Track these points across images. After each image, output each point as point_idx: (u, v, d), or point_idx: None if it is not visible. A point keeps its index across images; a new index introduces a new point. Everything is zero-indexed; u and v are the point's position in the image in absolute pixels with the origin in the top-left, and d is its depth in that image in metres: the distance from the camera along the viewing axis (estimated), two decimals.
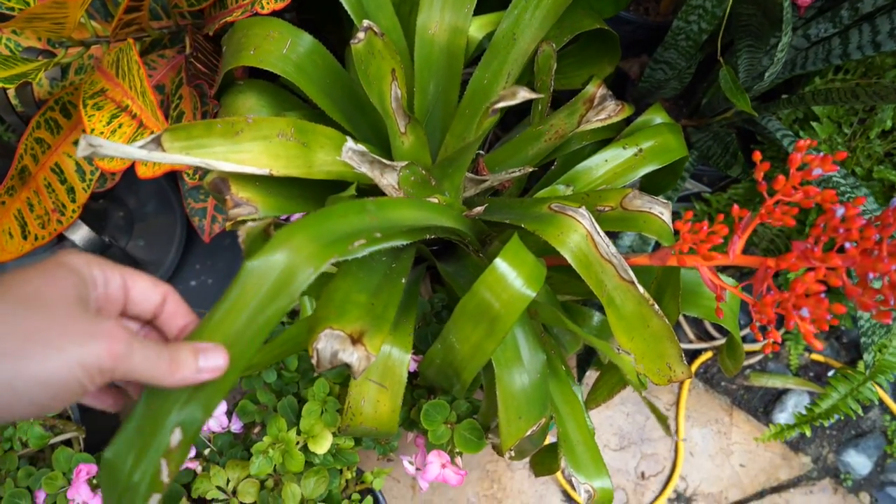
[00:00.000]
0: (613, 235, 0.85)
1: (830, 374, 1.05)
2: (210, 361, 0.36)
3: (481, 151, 0.68)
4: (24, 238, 0.66)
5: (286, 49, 0.56)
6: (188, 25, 0.71)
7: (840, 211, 0.44)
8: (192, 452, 0.66)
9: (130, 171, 0.62)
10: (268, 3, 0.59)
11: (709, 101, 0.88)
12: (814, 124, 0.83)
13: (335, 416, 0.62)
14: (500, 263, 0.50)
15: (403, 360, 0.55)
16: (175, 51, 0.76)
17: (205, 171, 0.56)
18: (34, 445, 0.64)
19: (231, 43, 0.59)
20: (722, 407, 1.04)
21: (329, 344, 0.45)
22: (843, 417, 0.81)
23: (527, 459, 0.77)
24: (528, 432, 0.55)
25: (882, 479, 1.02)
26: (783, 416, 1.02)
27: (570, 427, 0.60)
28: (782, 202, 0.48)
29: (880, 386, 0.88)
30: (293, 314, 0.74)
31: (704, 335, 1.07)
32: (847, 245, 0.44)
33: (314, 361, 0.45)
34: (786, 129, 0.79)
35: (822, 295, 0.43)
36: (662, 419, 0.47)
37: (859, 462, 1.01)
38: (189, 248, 0.92)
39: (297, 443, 0.61)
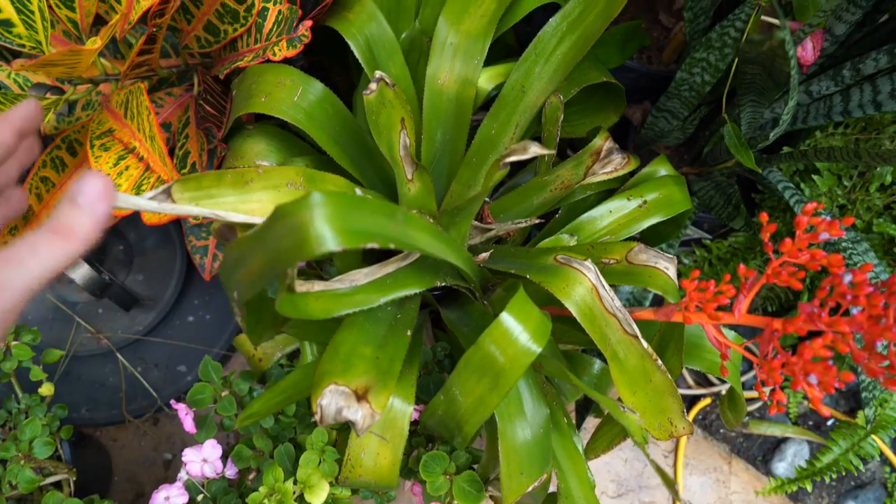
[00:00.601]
0: (613, 285, 0.85)
1: (830, 422, 1.05)
2: (89, 192, 0.32)
3: (486, 199, 0.68)
4: None
5: (297, 97, 0.57)
6: (197, 66, 0.72)
7: (848, 277, 0.44)
8: (185, 499, 0.65)
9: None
10: (280, 51, 0.59)
11: (711, 150, 0.89)
12: (815, 177, 0.84)
13: (333, 466, 0.61)
14: (506, 318, 0.49)
15: (406, 412, 0.54)
16: (182, 89, 0.77)
17: None
18: (24, 489, 0.62)
19: (241, 88, 0.60)
20: (721, 455, 1.03)
21: (334, 400, 0.44)
22: (843, 472, 0.80)
23: None
24: (530, 488, 0.54)
25: None
26: (783, 465, 1.01)
27: (573, 483, 0.59)
28: (787, 263, 0.48)
29: (881, 440, 0.87)
30: (293, 356, 0.74)
31: (703, 381, 1.07)
32: (853, 310, 0.44)
33: (318, 418, 0.44)
34: (787, 180, 0.79)
35: (831, 361, 0.43)
36: (670, 483, 0.46)
37: None
38: (188, 283, 0.92)
39: (294, 492, 0.60)
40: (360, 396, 0.45)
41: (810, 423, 1.05)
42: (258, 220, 0.49)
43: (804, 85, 0.74)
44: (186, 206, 0.44)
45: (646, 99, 1.00)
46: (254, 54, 0.63)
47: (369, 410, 0.44)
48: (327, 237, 0.36)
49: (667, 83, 0.80)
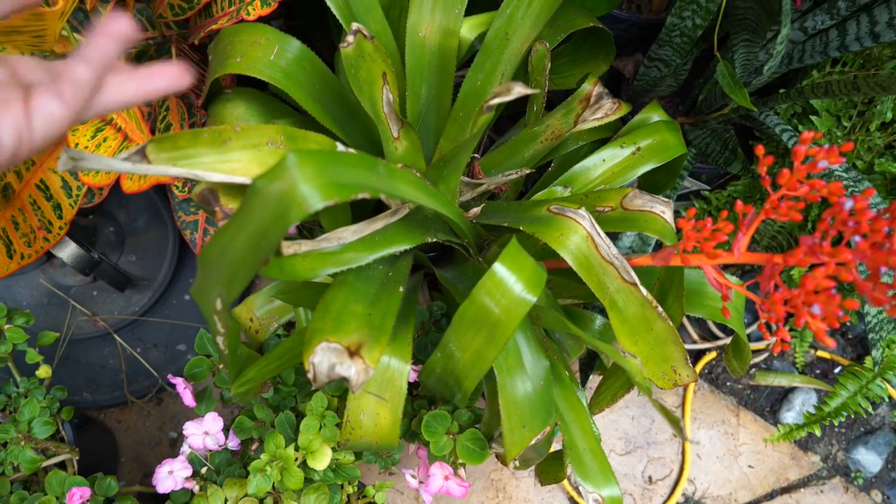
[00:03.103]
0: (612, 236, 0.84)
1: (837, 370, 1.04)
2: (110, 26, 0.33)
3: (476, 155, 0.67)
4: (10, 257, 0.64)
5: (274, 55, 0.55)
6: (173, 36, 0.70)
7: (848, 203, 0.43)
8: (189, 471, 0.64)
9: (120, 186, 0.61)
10: (254, 10, 0.57)
11: (705, 97, 0.87)
12: (813, 118, 0.82)
13: (334, 431, 0.60)
14: (498, 268, 0.48)
15: (403, 370, 0.54)
16: (161, 61, 0.75)
17: (194, 183, 0.54)
18: (26, 470, 0.62)
19: (217, 51, 0.58)
20: (728, 407, 1.02)
21: (326, 357, 0.43)
22: (852, 416, 0.80)
23: (532, 467, 0.75)
24: (533, 441, 0.54)
25: (894, 477, 1.00)
26: (791, 415, 1.01)
27: (577, 435, 0.58)
28: (787, 196, 0.47)
29: (889, 382, 0.87)
30: (290, 326, 0.73)
31: (708, 335, 1.06)
32: (856, 239, 0.43)
33: (311, 376, 0.43)
34: (784, 123, 0.78)
35: (833, 291, 0.42)
36: (674, 420, 0.45)
37: (869, 459, 0.99)
38: (182, 261, 0.91)
39: (296, 459, 0.60)
40: (353, 352, 0.44)
41: (817, 371, 1.05)
42: (239, 179, 0.47)
43: (798, 21, 0.72)
44: (162, 166, 0.43)
45: (637, 50, 0.97)
46: (228, 17, 0.61)
47: (363, 366, 0.43)
48: (312, 195, 0.35)
49: (658, 32, 0.78)
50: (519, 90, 0.44)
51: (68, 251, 0.69)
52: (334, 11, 0.59)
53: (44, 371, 0.70)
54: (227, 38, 0.57)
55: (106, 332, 0.87)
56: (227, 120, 0.59)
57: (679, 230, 0.51)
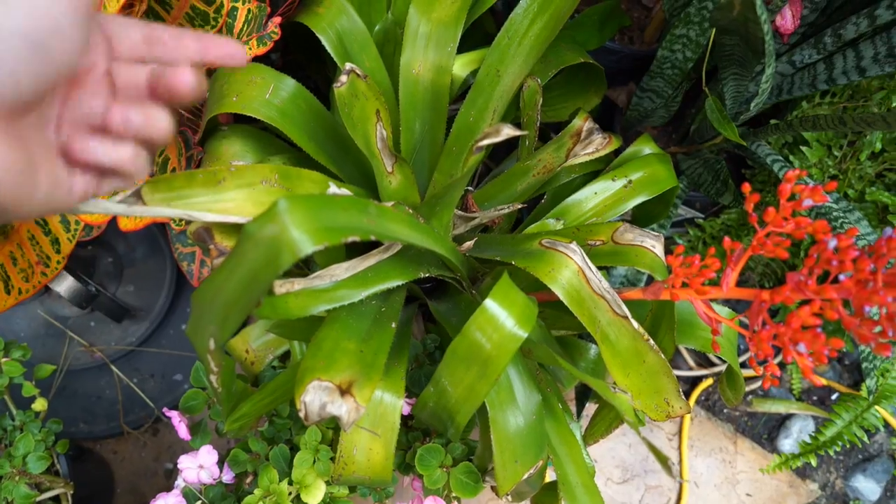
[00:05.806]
0: (606, 267, 0.85)
1: (834, 397, 1.04)
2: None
3: (470, 188, 0.67)
4: (8, 293, 0.65)
5: (269, 94, 0.56)
6: None
7: (832, 242, 0.43)
8: None
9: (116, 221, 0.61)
10: (250, 49, 0.59)
11: (697, 127, 0.88)
12: (803, 148, 0.83)
13: (328, 465, 0.60)
14: (490, 304, 0.49)
15: (396, 405, 0.54)
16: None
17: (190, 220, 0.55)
18: None
19: (214, 89, 0.59)
20: (726, 435, 1.02)
21: (317, 396, 0.43)
22: (848, 445, 0.79)
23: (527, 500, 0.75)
24: (525, 476, 0.54)
25: None
26: (788, 442, 1.00)
27: (569, 469, 0.58)
28: (774, 233, 0.48)
29: (885, 410, 0.87)
30: (285, 358, 0.73)
31: (705, 362, 1.06)
32: (842, 276, 0.44)
33: (302, 415, 0.44)
34: (776, 153, 0.79)
35: (819, 329, 0.43)
36: (663, 460, 0.45)
37: (868, 487, 0.98)
38: (180, 291, 0.91)
39: (290, 493, 0.60)
40: (344, 391, 0.44)
41: (814, 398, 1.04)
42: (233, 218, 0.48)
43: (787, 55, 0.73)
44: (157, 207, 0.44)
45: (630, 80, 0.99)
46: None
47: (354, 404, 0.44)
48: (302, 240, 0.35)
49: (650, 63, 0.79)
50: (508, 132, 0.45)
51: (66, 285, 0.70)
52: (330, 51, 0.60)
53: (40, 404, 0.71)
54: (223, 77, 0.58)
55: (103, 362, 0.87)
56: (223, 157, 0.60)
57: (669, 266, 0.52)
